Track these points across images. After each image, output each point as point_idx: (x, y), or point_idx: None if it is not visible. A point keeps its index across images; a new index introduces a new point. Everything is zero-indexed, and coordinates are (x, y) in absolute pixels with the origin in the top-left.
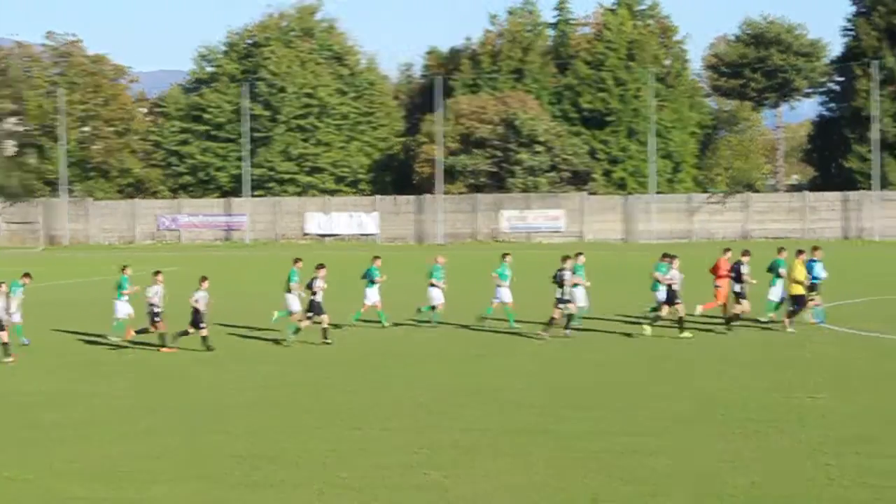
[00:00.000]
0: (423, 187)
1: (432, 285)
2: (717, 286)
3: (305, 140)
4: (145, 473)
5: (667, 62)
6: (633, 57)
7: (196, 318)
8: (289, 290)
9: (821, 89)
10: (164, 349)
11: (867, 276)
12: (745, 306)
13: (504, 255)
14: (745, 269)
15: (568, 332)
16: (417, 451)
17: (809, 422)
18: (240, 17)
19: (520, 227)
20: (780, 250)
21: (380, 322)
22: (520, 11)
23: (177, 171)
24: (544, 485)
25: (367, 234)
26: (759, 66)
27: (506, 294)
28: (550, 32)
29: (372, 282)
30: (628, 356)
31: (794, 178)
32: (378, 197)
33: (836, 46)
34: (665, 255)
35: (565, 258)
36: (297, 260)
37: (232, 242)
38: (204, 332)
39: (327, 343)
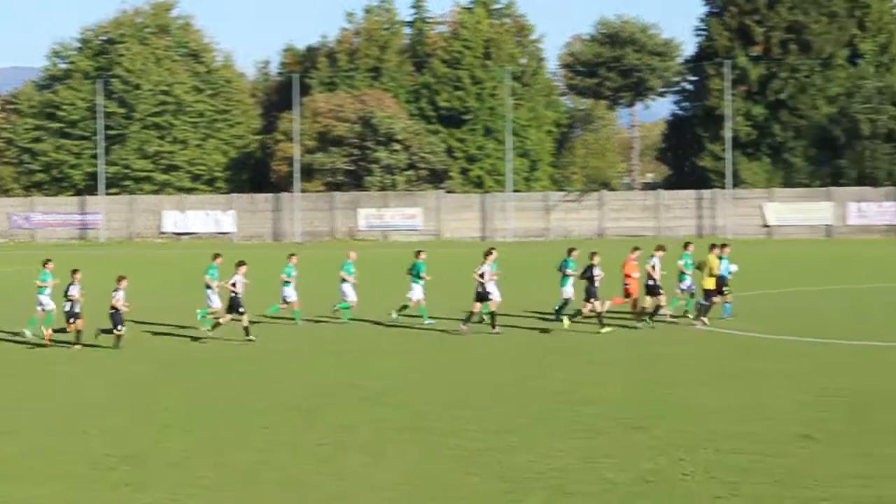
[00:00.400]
0: (280, 185)
1: (344, 280)
2: (626, 284)
3: (161, 138)
4: (2, 474)
5: (523, 61)
6: (490, 55)
7: (116, 317)
8: (208, 286)
9: (675, 88)
10: (78, 345)
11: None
12: (661, 300)
13: (418, 253)
14: (656, 264)
15: (496, 330)
16: (277, 448)
17: (665, 418)
18: (94, 14)
19: (377, 225)
20: (686, 245)
21: (293, 319)
22: (376, 9)
23: (30, 169)
24: (405, 483)
25: (223, 233)
26: (614, 65)
27: (417, 291)
28: (407, 31)
29: (286, 281)
30: (495, 354)
31: (649, 177)
32: (235, 195)
33: (689, 46)
34: (571, 250)
35: (487, 254)
36: (216, 255)
37: (87, 241)
38: (122, 331)
39: (250, 340)
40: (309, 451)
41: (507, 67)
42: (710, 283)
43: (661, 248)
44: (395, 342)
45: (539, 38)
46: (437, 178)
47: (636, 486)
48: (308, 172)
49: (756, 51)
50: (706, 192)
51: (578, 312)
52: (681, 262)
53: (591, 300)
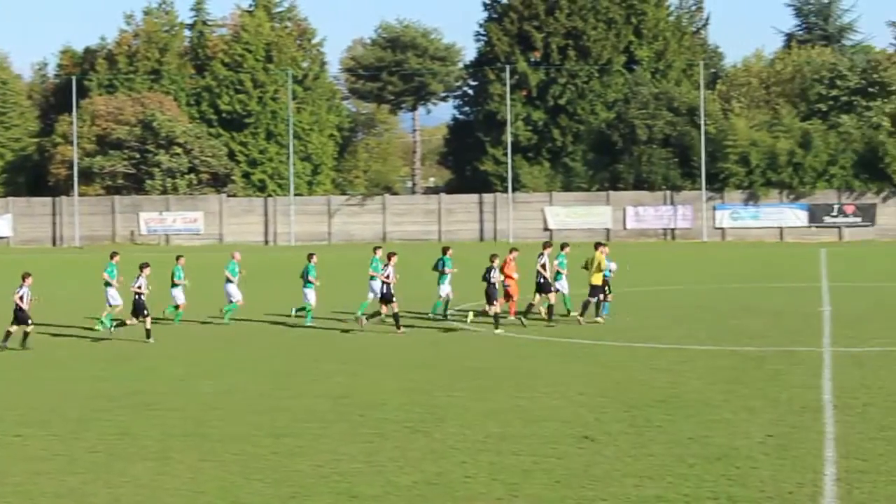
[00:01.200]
0: (59, 189)
1: (228, 281)
2: (506, 285)
3: None
4: None
5: (305, 64)
6: (272, 59)
7: (20, 316)
8: (108, 284)
9: (456, 93)
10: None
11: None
12: (551, 298)
13: (310, 256)
14: (545, 262)
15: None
16: (53, 457)
17: (446, 421)
18: None
19: (158, 229)
20: (562, 246)
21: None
22: (156, 12)
23: None
24: (185, 488)
25: None
26: (395, 69)
27: (312, 295)
28: (187, 33)
29: (173, 283)
30: (271, 357)
31: (432, 181)
32: (11, 199)
33: (470, 51)
34: (445, 249)
35: (390, 255)
36: (114, 254)
37: None
38: (28, 329)
39: (148, 341)
40: (87, 460)
41: (289, 71)
42: (596, 280)
43: (548, 244)
44: (184, 346)
45: (321, 41)
46: (219, 182)
47: (421, 488)
48: (87, 176)
49: (536, 56)
50: (488, 196)
51: (484, 314)
52: (556, 262)
53: (494, 302)
